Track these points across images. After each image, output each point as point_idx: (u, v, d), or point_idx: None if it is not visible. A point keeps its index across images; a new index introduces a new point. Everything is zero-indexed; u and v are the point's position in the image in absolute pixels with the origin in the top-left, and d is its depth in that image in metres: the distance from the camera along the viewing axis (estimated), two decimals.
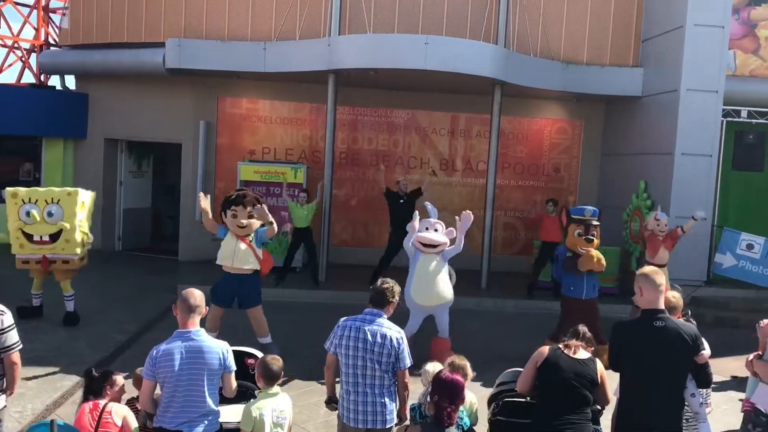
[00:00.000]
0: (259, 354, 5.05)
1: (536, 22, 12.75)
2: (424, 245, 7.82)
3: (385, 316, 4.55)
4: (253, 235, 7.80)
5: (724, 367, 7.89)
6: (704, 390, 4.90)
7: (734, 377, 7.89)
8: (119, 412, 4.40)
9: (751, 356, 4.89)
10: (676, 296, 5.01)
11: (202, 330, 4.19)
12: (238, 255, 7.72)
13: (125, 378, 4.98)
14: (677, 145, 11.43)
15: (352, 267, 12.84)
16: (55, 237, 8.53)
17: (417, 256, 7.90)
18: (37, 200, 8.52)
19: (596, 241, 8.18)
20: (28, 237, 8.51)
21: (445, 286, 7.85)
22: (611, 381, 4.36)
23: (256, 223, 7.75)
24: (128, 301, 10.33)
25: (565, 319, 7.92)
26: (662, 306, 4.21)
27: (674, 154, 11.44)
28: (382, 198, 13.15)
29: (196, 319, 4.17)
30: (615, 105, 13.69)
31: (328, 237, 12.13)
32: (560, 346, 4.38)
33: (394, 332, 4.47)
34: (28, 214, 8.44)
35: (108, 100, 14.15)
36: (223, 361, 4.15)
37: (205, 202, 7.86)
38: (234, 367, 4.25)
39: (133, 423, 4.49)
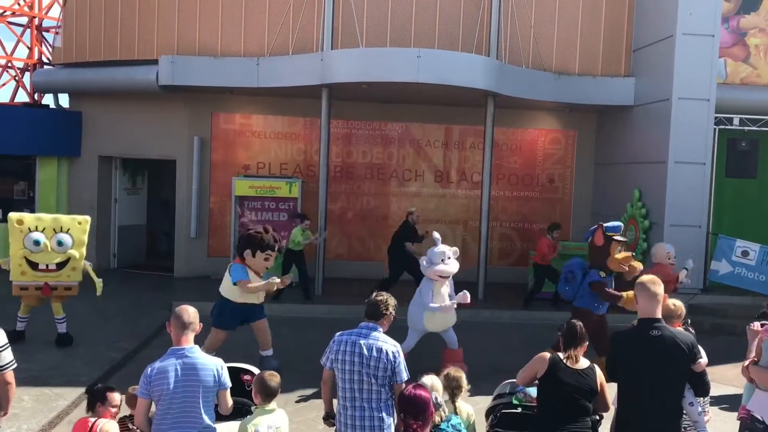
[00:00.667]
0: (256, 370, 5.02)
1: (527, 34, 12.83)
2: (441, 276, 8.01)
3: (381, 330, 4.53)
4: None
5: (722, 375, 7.87)
6: (702, 398, 4.88)
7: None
8: (104, 429, 4.35)
9: (747, 362, 4.88)
10: (676, 304, 4.99)
11: (197, 347, 4.17)
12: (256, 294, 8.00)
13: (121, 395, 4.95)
14: (670, 153, 11.47)
15: (347, 281, 12.82)
16: (61, 265, 8.48)
17: (430, 285, 8.05)
18: (44, 228, 8.43)
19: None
20: (32, 264, 8.42)
21: (453, 311, 8.12)
22: (611, 388, 4.35)
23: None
24: (124, 318, 10.29)
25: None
26: (659, 315, 4.21)
27: (667, 163, 11.48)
28: (377, 211, 13.25)
29: (190, 335, 4.15)
30: (607, 114, 13.75)
31: (324, 251, 12.11)
32: (561, 356, 4.35)
33: (390, 346, 4.45)
34: (36, 243, 8.34)
35: (102, 118, 14.15)
36: (218, 378, 4.12)
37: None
38: (229, 384, 4.22)
39: None
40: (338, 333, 4.58)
